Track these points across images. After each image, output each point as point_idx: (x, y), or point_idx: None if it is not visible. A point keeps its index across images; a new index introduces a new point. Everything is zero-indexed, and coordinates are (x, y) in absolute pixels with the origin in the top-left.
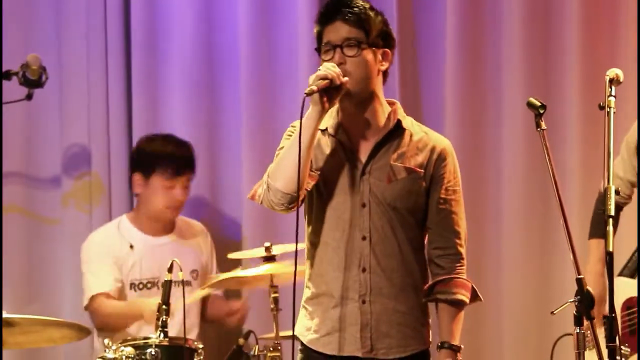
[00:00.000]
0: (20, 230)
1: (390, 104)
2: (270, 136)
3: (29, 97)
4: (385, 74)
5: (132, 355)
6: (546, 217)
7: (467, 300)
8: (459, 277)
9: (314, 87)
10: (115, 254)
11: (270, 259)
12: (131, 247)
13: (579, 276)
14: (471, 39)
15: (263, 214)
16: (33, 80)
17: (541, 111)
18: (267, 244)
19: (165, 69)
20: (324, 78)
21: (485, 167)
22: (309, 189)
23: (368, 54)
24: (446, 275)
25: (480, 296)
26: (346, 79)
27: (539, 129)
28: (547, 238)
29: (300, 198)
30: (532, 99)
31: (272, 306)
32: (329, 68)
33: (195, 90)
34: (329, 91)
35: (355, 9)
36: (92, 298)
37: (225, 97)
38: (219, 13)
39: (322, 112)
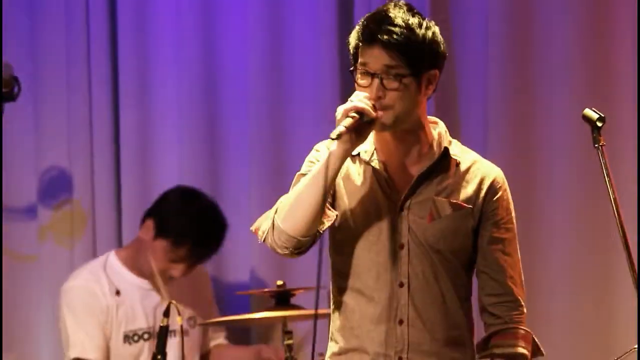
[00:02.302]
0: None
1: (433, 123)
2: (281, 164)
3: None
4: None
5: None
6: (604, 245)
7: (529, 355)
8: (519, 327)
9: (342, 128)
10: (102, 307)
11: (283, 300)
12: (117, 293)
13: None
14: (516, 44)
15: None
16: (3, 93)
17: (599, 125)
18: (280, 282)
19: (159, 81)
20: (355, 111)
21: (534, 189)
22: (322, 232)
23: (412, 85)
24: (503, 325)
25: (542, 349)
26: (380, 113)
27: (596, 145)
28: (606, 269)
29: (311, 243)
30: (588, 111)
31: (286, 355)
32: (361, 99)
33: (194, 110)
34: (359, 126)
35: (397, 32)
36: None
37: (229, 126)
38: (221, 30)
39: (351, 150)
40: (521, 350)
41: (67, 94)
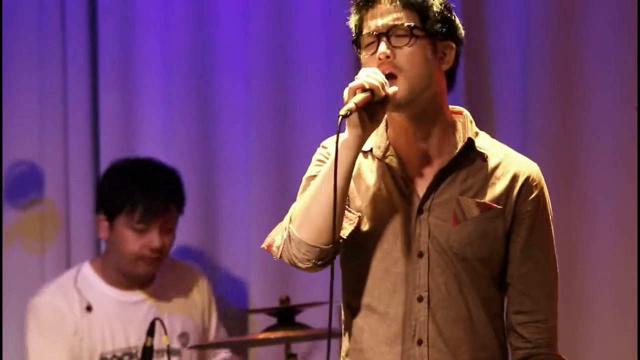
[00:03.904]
0: None
1: (457, 113)
2: (285, 161)
3: None
4: (451, 78)
5: None
6: None
7: None
8: (551, 353)
9: (352, 105)
10: (72, 328)
11: (287, 318)
12: (88, 308)
13: None
14: (559, 28)
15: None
16: None
17: None
18: (283, 297)
19: (144, 65)
20: (363, 89)
21: (576, 192)
22: (345, 237)
23: (425, 45)
24: (533, 350)
25: None
26: (394, 88)
27: None
28: None
29: (334, 252)
30: None
31: None
32: (369, 75)
33: (184, 99)
34: (370, 107)
35: None
36: None
37: (224, 105)
38: (216, 13)
39: (364, 136)
40: None
41: (39, 77)
